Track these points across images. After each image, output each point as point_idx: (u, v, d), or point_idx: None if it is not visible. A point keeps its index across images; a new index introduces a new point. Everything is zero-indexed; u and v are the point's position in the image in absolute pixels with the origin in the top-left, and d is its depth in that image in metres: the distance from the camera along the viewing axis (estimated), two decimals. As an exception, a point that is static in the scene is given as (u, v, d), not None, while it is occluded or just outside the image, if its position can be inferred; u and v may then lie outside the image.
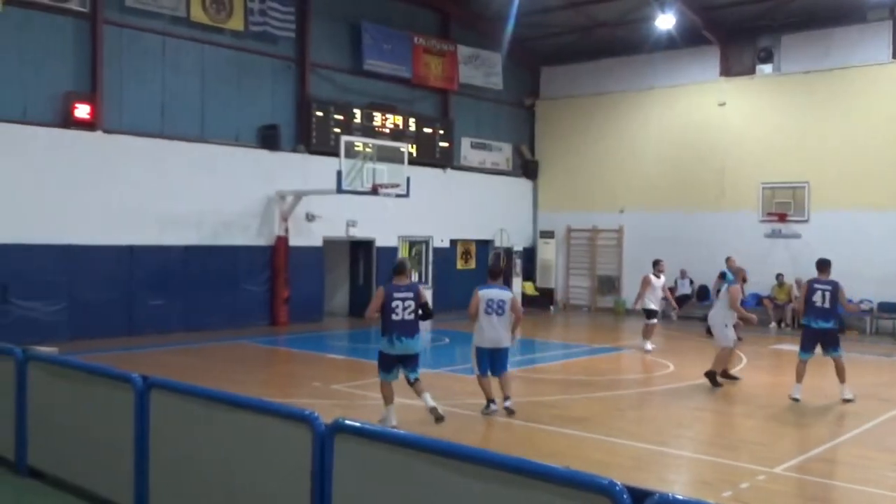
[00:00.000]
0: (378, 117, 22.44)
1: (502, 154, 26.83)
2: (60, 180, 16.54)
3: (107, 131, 17.34)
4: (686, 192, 24.12)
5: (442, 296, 23.13)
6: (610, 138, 25.82)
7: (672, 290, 20.72)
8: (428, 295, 22.96)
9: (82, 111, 16.82)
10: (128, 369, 6.57)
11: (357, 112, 21.91)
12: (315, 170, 20.32)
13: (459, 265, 25.24)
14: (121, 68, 17.61)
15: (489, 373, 10.49)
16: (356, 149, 18.59)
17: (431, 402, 9.78)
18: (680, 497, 3.67)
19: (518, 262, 26.56)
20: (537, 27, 24.89)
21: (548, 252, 27.06)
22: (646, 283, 17.04)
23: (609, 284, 26.04)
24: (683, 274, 22.70)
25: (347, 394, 11.85)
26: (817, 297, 11.68)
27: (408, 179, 18.96)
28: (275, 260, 20.03)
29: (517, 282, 26.43)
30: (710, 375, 12.79)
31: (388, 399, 9.69)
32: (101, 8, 17.17)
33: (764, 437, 9.99)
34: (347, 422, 4.83)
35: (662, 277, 17.21)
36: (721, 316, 13.07)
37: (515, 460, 4.05)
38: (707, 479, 8.18)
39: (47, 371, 7.23)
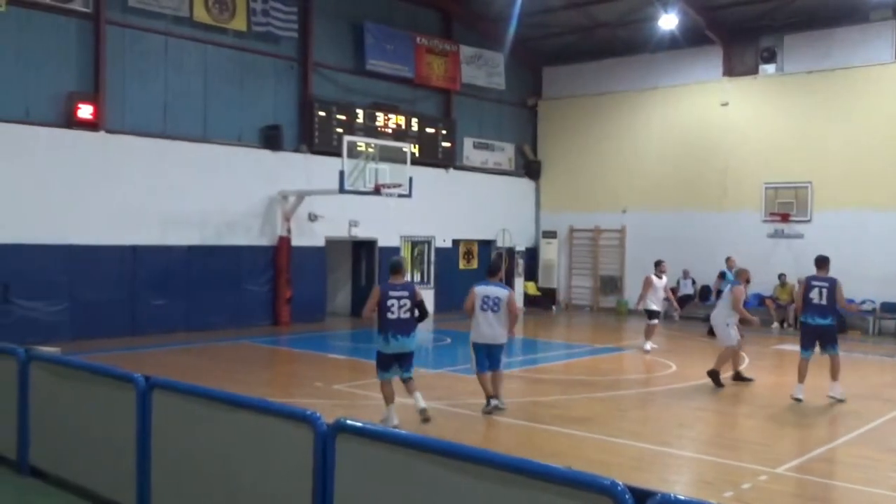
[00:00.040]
0: (380, 117, 22.45)
1: (505, 154, 26.83)
2: (63, 180, 16.56)
3: (109, 131, 17.35)
4: (688, 192, 24.10)
5: (444, 296, 23.15)
6: (612, 138, 25.81)
7: (674, 290, 20.69)
8: (430, 295, 23.37)
9: (85, 111, 16.84)
10: (130, 369, 6.58)
11: (359, 112, 21.92)
12: (317, 170, 20.33)
13: (462, 265, 25.24)
14: (123, 68, 17.63)
15: (487, 366, 10.57)
16: (358, 149, 18.60)
17: (422, 403, 9.82)
18: (682, 497, 3.67)
19: (520, 262, 26.57)
20: (540, 27, 24.89)
21: (550, 252, 27.06)
22: (647, 283, 17.03)
23: (611, 284, 26.03)
24: (686, 274, 22.68)
25: (349, 394, 11.86)
26: (814, 294, 11.68)
27: (410, 179, 18.96)
28: (277, 260, 20.04)
29: (519, 282, 26.46)
30: (713, 374, 12.79)
31: (388, 399, 9.72)
32: (104, 8, 17.19)
33: (766, 438, 9.99)
34: (349, 422, 4.83)
35: (664, 278, 17.20)
36: (723, 316, 13.08)
37: (517, 460, 4.06)
38: (709, 479, 8.18)
39: (49, 371, 7.24)
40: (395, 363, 9.74)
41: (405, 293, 9.58)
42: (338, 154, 18.61)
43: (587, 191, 26.38)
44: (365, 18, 22.27)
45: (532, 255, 27.27)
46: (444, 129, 24.38)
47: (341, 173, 17.89)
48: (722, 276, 19.49)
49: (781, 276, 21.71)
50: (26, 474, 7.27)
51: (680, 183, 24.29)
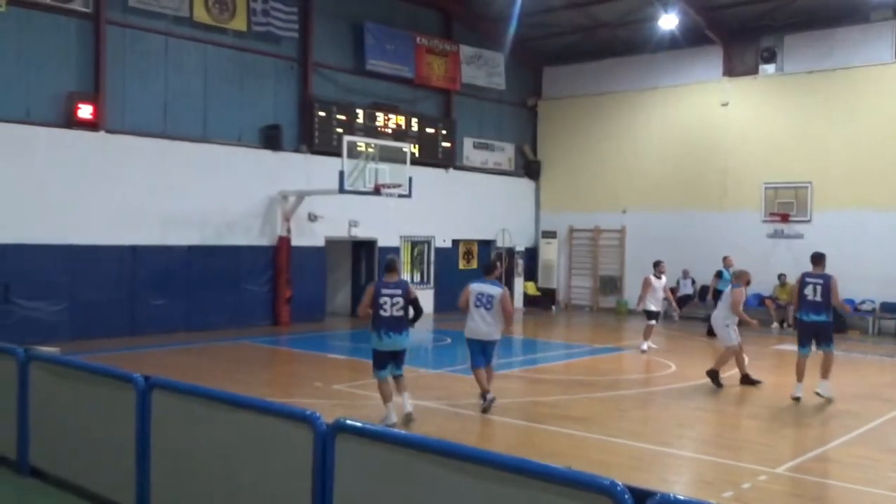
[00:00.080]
0: (380, 117, 22.45)
1: (504, 154, 26.83)
2: (63, 180, 16.56)
3: (110, 131, 17.35)
4: (688, 192, 24.11)
5: (444, 296, 23.14)
6: (612, 138, 25.82)
7: (674, 290, 20.71)
8: (429, 295, 23.38)
9: (85, 111, 16.84)
10: (130, 369, 6.58)
11: (359, 112, 21.92)
12: (317, 170, 20.34)
13: (461, 265, 25.24)
14: (124, 68, 17.63)
15: (481, 362, 10.70)
16: (358, 149, 18.60)
17: (409, 408, 9.86)
18: (681, 497, 3.67)
19: (520, 262, 26.58)
20: (540, 27, 24.89)
21: (550, 252, 27.06)
22: (646, 284, 17.04)
23: (611, 284, 26.03)
24: (685, 274, 22.69)
25: (349, 394, 11.86)
26: (808, 291, 11.70)
27: (410, 179, 18.97)
28: (277, 260, 20.04)
29: (519, 282, 26.48)
30: (712, 374, 12.79)
31: (386, 397, 9.77)
32: (104, 8, 17.19)
33: (765, 438, 9.99)
34: (349, 422, 4.83)
35: (663, 278, 17.20)
36: (722, 317, 13.08)
37: (516, 460, 4.06)
38: (708, 479, 8.18)
39: (49, 371, 7.24)
40: (390, 361, 9.80)
41: (398, 291, 9.62)
42: (338, 154, 18.61)
43: (587, 191, 26.38)
44: (365, 18, 22.28)
45: (532, 255, 27.28)
46: (444, 129, 24.38)
47: (341, 173, 17.90)
48: (719, 275, 19.51)
49: (781, 277, 21.72)
50: (26, 474, 7.27)
51: (680, 183, 24.30)
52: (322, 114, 21.08)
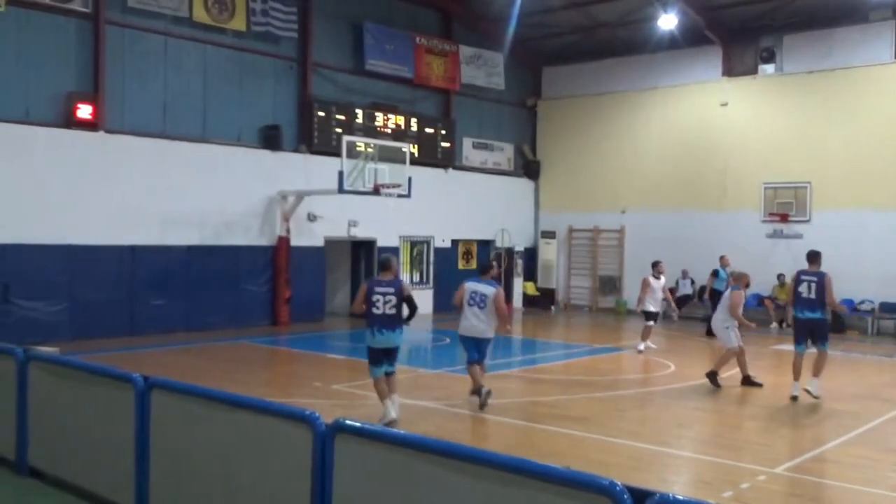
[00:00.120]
0: (380, 117, 22.45)
1: (504, 154, 26.83)
2: (62, 180, 16.55)
3: (109, 131, 17.35)
4: (688, 193, 24.11)
5: (443, 296, 23.09)
6: (612, 138, 25.82)
7: (673, 290, 20.71)
8: (428, 295, 23.37)
9: (84, 111, 16.83)
10: (129, 369, 6.58)
11: (359, 112, 21.92)
12: (317, 170, 20.33)
13: (461, 265, 25.24)
14: (123, 68, 17.62)
15: (475, 358, 10.86)
16: (358, 149, 18.60)
17: (393, 414, 9.82)
18: (680, 497, 3.67)
19: (519, 262, 26.58)
20: (539, 27, 24.89)
21: (549, 252, 27.06)
22: (645, 285, 17.05)
23: (610, 285, 26.04)
24: (685, 274, 22.67)
25: (348, 394, 11.86)
26: (803, 288, 11.74)
27: (409, 179, 18.97)
28: (276, 260, 20.04)
29: (518, 282, 26.48)
30: (711, 376, 12.77)
31: (382, 395, 9.85)
32: (104, 8, 17.18)
33: (764, 438, 9.99)
34: (348, 422, 4.83)
35: (662, 279, 17.19)
36: (721, 320, 13.05)
37: (516, 460, 4.06)
38: (707, 479, 8.18)
39: (48, 371, 7.23)
40: (384, 359, 9.85)
41: (391, 290, 9.68)
42: (337, 154, 18.61)
43: (586, 191, 26.39)
44: (364, 18, 22.28)
45: (531, 255, 27.28)
46: (444, 130, 24.38)
47: (340, 173, 17.90)
48: (715, 273, 19.53)
49: (780, 277, 21.71)
50: (25, 474, 7.26)
51: (679, 183, 24.30)
52: (321, 114, 21.08)
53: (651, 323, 16.94)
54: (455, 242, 25.25)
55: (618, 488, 3.56)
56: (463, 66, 24.77)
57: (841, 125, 21.59)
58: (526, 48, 26.24)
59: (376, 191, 18.58)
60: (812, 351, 11.91)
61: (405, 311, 9.74)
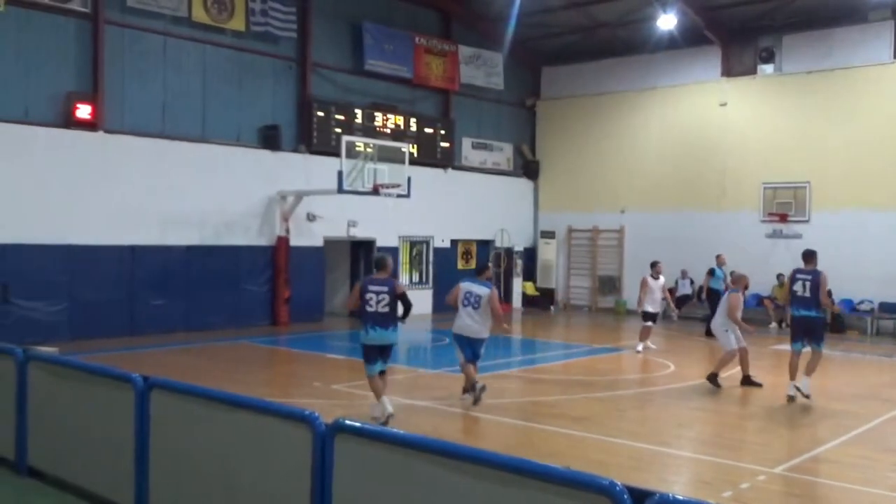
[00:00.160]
0: (379, 117, 22.45)
1: (503, 154, 26.83)
2: (62, 180, 16.55)
3: (108, 131, 17.35)
4: (687, 193, 24.12)
5: (442, 296, 22.95)
6: (611, 138, 25.83)
7: (672, 290, 20.71)
8: (428, 295, 23.37)
9: (84, 111, 16.83)
10: (128, 369, 6.58)
11: (358, 112, 21.92)
12: (316, 170, 20.33)
13: (460, 265, 25.22)
14: (122, 68, 17.62)
15: (469, 357, 11.00)
16: (357, 149, 18.60)
17: (377, 412, 9.84)
18: (680, 497, 3.67)
19: (519, 262, 26.58)
20: (539, 27, 24.89)
21: (548, 252, 27.06)
22: (643, 285, 17.05)
23: (610, 285, 26.04)
24: (684, 274, 22.68)
25: (348, 394, 11.85)
26: (798, 287, 11.77)
27: (409, 179, 18.97)
28: (276, 260, 20.04)
29: (517, 282, 26.48)
30: (712, 378, 12.72)
31: (378, 392, 9.91)
32: (103, 8, 17.18)
33: (764, 438, 10.00)
34: (348, 422, 4.83)
35: (661, 279, 17.18)
36: (720, 323, 13.02)
37: (515, 460, 4.06)
38: (707, 479, 8.18)
39: (48, 371, 7.23)
40: (378, 356, 9.91)
41: (384, 288, 9.75)
42: (336, 154, 18.61)
43: (586, 191, 26.39)
44: (364, 18, 22.27)
45: (530, 255, 27.28)
46: (443, 130, 24.38)
47: (340, 173, 17.90)
48: (711, 272, 19.55)
49: (780, 277, 21.69)
50: (25, 475, 7.26)
51: (679, 183, 24.31)
52: (321, 114, 21.08)
53: (649, 323, 16.92)
54: (454, 242, 25.25)
55: (617, 488, 3.56)
56: (462, 66, 24.78)
57: (840, 125, 21.60)
58: (525, 48, 26.25)
59: (376, 191, 18.58)
60: (809, 350, 11.92)
61: (401, 309, 9.79)
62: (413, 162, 20.25)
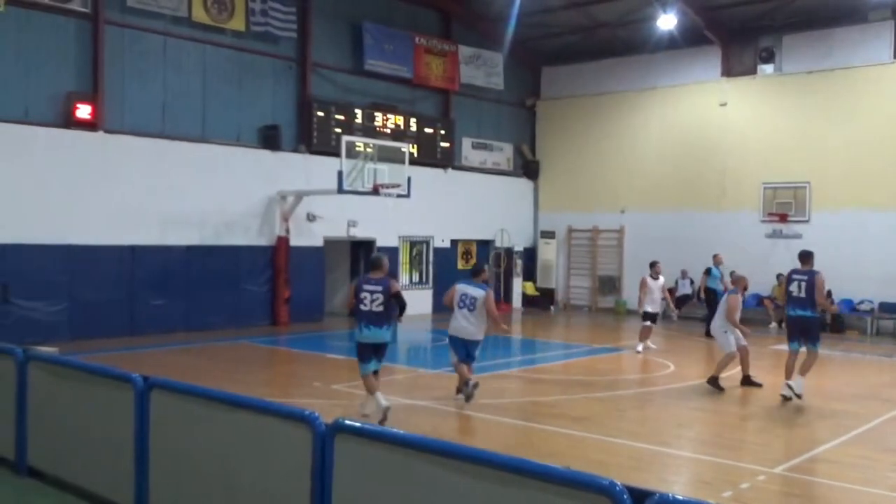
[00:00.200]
0: (379, 117, 22.45)
1: (503, 154, 26.83)
2: (62, 180, 16.55)
3: (108, 131, 17.34)
4: (687, 193, 24.12)
5: (442, 296, 23.04)
6: (611, 138, 25.83)
7: (672, 290, 20.71)
8: (428, 295, 23.37)
9: (83, 111, 16.83)
10: (128, 369, 6.58)
11: (358, 112, 21.92)
12: (316, 170, 20.33)
13: (460, 265, 25.21)
14: (122, 68, 17.62)
15: (463, 358, 11.09)
16: (357, 149, 18.60)
17: (367, 410, 9.92)
18: (680, 497, 3.68)
19: (519, 262, 26.58)
20: (539, 27, 24.89)
21: (548, 252, 27.06)
22: (643, 285, 17.05)
23: (610, 285, 26.04)
24: (684, 274, 22.68)
25: (348, 394, 11.84)
26: (794, 287, 11.81)
27: (409, 179, 18.97)
28: (276, 260, 20.04)
29: (517, 282, 26.48)
30: (712, 381, 12.63)
31: (371, 390, 10.00)
32: (103, 8, 17.18)
33: (764, 438, 10.00)
34: (348, 422, 4.83)
35: (661, 279, 17.17)
36: (720, 325, 12.99)
37: (515, 460, 4.06)
38: (707, 479, 8.18)
39: (48, 371, 7.23)
40: (372, 355, 9.99)
41: (379, 288, 9.86)
42: (336, 154, 18.61)
43: (586, 191, 26.39)
44: (364, 18, 22.27)
45: (530, 255, 27.28)
46: (443, 129, 24.38)
47: (340, 173, 17.90)
48: (708, 272, 19.56)
49: (780, 277, 21.67)
50: (24, 475, 7.26)
51: (678, 183, 24.31)
52: (321, 114, 21.07)
53: (648, 323, 16.91)
54: (454, 242, 25.25)
55: (617, 488, 3.56)
56: (462, 66, 24.78)
57: (840, 125, 21.60)
58: (525, 48, 26.25)
59: (376, 191, 18.58)
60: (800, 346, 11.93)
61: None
62: (413, 162, 20.25)
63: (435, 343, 18.35)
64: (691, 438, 10.00)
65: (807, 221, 22.05)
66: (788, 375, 11.73)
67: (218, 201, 19.04)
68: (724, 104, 23.60)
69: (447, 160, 24.49)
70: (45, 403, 7.15)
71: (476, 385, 10.98)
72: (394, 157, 19.22)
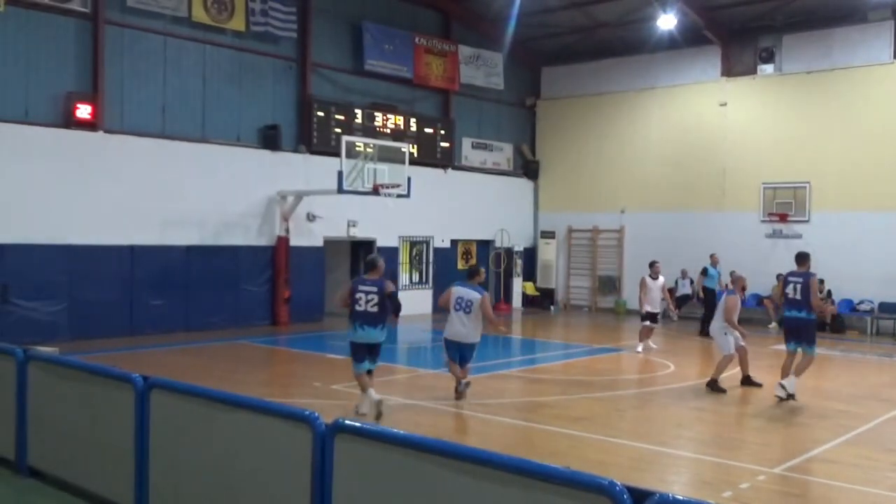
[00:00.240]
0: (379, 117, 22.45)
1: (503, 154, 26.84)
2: (62, 180, 16.54)
3: (108, 131, 17.34)
4: (687, 193, 24.12)
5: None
6: (611, 138, 25.83)
7: (672, 290, 20.70)
8: (427, 295, 23.36)
9: (84, 111, 16.83)
10: (128, 369, 6.58)
11: (358, 112, 21.92)
12: (316, 170, 20.33)
13: (460, 265, 25.21)
14: (122, 68, 17.62)
15: (458, 361, 11.16)
16: (357, 149, 18.60)
17: (364, 409, 10.01)
18: (680, 497, 3.68)
19: (519, 263, 26.58)
20: (539, 27, 24.90)
21: (548, 252, 27.07)
22: (642, 285, 17.04)
23: (609, 285, 26.04)
24: (684, 274, 22.66)
25: (347, 394, 11.83)
26: (790, 289, 11.88)
27: (409, 179, 18.96)
28: (276, 260, 20.04)
29: (517, 282, 26.48)
30: (712, 384, 12.57)
31: (364, 387, 10.12)
32: (103, 8, 17.18)
33: (764, 438, 10.00)
34: (348, 422, 4.83)
35: (660, 279, 17.15)
36: (719, 327, 12.97)
37: (515, 460, 4.06)
38: (707, 479, 8.19)
39: (48, 371, 7.23)
40: (366, 355, 10.11)
41: (374, 288, 10.02)
42: (336, 154, 18.61)
43: (586, 191, 26.39)
44: (364, 18, 22.28)
45: (530, 255, 27.28)
46: (443, 130, 24.39)
47: (340, 173, 17.90)
48: (704, 272, 19.56)
49: (779, 277, 21.64)
50: (25, 475, 7.26)
51: (678, 183, 24.30)
52: (321, 114, 21.07)
53: (647, 323, 16.90)
54: (454, 242, 25.25)
55: (617, 488, 3.56)
56: (462, 66, 24.78)
57: (840, 125, 21.60)
58: (525, 48, 26.25)
59: (375, 191, 18.58)
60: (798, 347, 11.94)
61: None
62: (413, 162, 20.25)
63: (435, 343, 18.32)
64: (691, 438, 10.00)
65: (807, 221, 22.06)
66: (784, 375, 11.74)
67: (218, 201, 19.03)
68: (723, 104, 23.60)
69: (447, 160, 24.49)
70: (45, 403, 7.15)
71: (468, 384, 11.10)
72: (394, 157, 19.22)
